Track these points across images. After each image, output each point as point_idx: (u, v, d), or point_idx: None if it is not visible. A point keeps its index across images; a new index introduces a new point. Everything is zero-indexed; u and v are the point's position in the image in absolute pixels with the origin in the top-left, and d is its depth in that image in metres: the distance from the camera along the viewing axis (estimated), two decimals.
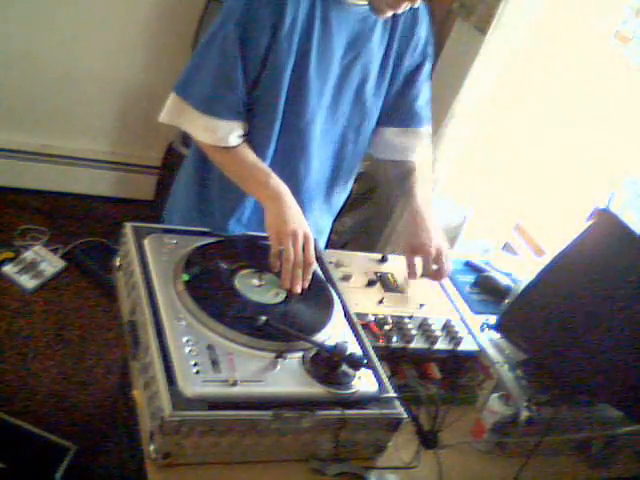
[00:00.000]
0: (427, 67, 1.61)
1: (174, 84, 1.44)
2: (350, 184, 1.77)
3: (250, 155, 1.46)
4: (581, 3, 2.24)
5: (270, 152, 1.51)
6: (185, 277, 1.23)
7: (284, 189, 1.39)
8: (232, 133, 1.43)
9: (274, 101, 1.44)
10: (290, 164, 1.55)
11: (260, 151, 1.48)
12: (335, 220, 1.86)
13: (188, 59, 1.45)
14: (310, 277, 1.33)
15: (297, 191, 1.51)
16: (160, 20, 2.78)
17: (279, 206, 1.36)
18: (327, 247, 1.88)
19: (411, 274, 1.54)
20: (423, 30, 1.55)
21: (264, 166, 1.45)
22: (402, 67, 1.57)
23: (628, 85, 2.17)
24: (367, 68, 1.51)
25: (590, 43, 2.26)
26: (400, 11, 1.40)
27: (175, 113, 1.44)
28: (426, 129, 1.69)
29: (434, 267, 1.55)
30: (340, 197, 1.76)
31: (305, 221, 1.36)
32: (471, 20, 2.37)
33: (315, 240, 1.37)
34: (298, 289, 1.30)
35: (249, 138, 1.48)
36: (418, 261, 1.55)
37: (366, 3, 1.41)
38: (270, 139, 1.49)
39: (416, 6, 1.40)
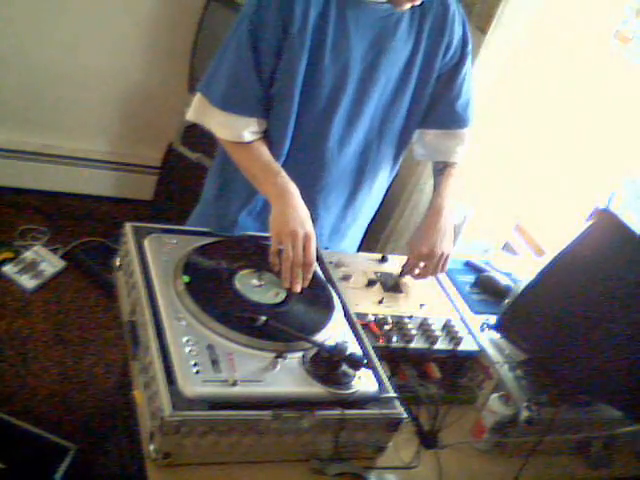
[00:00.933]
0: (466, 67, 1.59)
1: (199, 84, 1.48)
2: (379, 186, 1.73)
3: (264, 153, 1.47)
4: (581, 3, 2.23)
5: (285, 149, 1.52)
6: (185, 279, 1.23)
7: (291, 188, 1.39)
8: (247, 129, 1.45)
9: (288, 98, 1.45)
10: (305, 162, 1.55)
11: (276, 148, 1.50)
12: (370, 224, 1.84)
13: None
14: (310, 277, 1.33)
15: (312, 190, 1.50)
16: (160, 20, 2.77)
17: (283, 205, 1.36)
18: (359, 251, 1.85)
19: (404, 266, 1.56)
20: (457, 29, 1.53)
21: (275, 165, 1.46)
22: (434, 67, 1.54)
23: (628, 85, 2.16)
24: (392, 67, 1.50)
25: (590, 43, 2.26)
26: (417, 2, 1.40)
27: (200, 111, 1.48)
28: (468, 130, 1.66)
29: (421, 265, 1.54)
30: (367, 199, 1.73)
31: (309, 222, 1.36)
32: (471, 20, 2.37)
33: (317, 241, 1.37)
34: (298, 288, 1.31)
35: (266, 135, 1.49)
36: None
37: (385, 1, 1.41)
38: (285, 136, 1.50)
39: None
